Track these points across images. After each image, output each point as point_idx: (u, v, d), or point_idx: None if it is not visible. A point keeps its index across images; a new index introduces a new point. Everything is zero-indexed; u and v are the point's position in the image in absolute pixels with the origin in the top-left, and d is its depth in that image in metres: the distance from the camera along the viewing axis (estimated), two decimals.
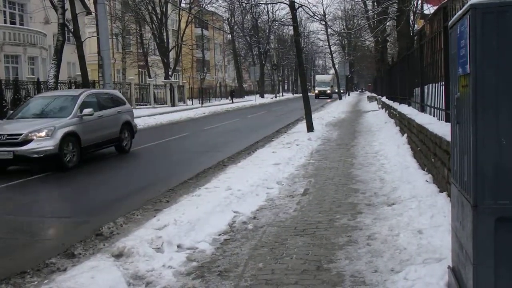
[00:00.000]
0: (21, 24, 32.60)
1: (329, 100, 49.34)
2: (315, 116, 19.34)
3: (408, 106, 12.23)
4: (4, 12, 31.48)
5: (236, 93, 62.72)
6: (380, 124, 17.37)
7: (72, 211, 7.19)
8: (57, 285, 3.89)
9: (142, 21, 43.38)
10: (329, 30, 42.43)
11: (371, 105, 32.84)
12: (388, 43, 32.41)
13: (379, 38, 27.90)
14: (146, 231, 5.19)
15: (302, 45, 32.97)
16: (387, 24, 26.18)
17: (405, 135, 11.07)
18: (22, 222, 6.57)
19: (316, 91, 62.19)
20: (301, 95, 19.29)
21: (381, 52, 30.77)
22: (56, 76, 21.77)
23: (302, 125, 17.33)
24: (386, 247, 4.70)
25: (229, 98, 54.15)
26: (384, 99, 23.56)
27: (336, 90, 66.34)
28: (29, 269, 4.59)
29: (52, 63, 22.12)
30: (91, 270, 4.15)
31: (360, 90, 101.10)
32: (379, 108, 26.74)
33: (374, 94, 40.30)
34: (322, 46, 70.29)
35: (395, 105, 15.54)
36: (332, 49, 56.05)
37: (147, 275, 4.24)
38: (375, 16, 25.39)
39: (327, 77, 68.93)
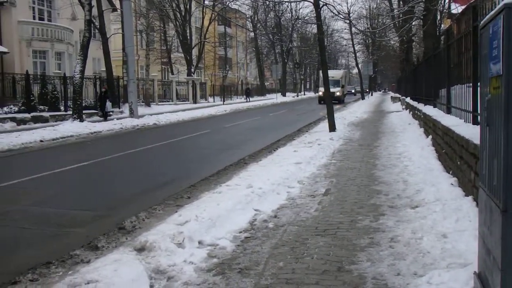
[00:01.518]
0: (49, 20, 33.15)
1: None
2: (337, 115, 19.21)
3: (434, 107, 12.05)
4: (33, 8, 32.05)
5: (257, 91, 62.74)
6: (403, 125, 17.17)
7: (96, 204, 7.28)
8: (81, 276, 3.94)
9: (166, 18, 43.71)
10: (353, 29, 42.15)
11: (394, 106, 32.48)
12: (413, 43, 32.00)
13: (404, 38, 27.57)
14: (168, 226, 5.22)
15: (326, 43, 32.88)
16: (413, 23, 25.83)
17: (430, 137, 10.91)
18: (48, 213, 6.68)
19: (320, 93, 41.20)
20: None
21: (406, 52, 30.41)
22: (82, 72, 22.10)
23: (324, 124, 17.24)
24: (409, 250, 4.64)
25: (245, 97, 52.45)
26: (408, 99, 23.26)
27: (353, 91, 64.54)
28: (54, 260, 4.67)
29: (78, 59, 22.45)
30: (114, 263, 4.19)
31: (383, 90, 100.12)
32: (403, 109, 26.42)
33: (397, 95, 39.81)
34: (346, 45, 69.59)
35: (420, 106, 15.33)
36: (356, 48, 55.60)
37: (168, 269, 4.27)
38: (401, 15, 25.09)
39: (336, 73, 46.53)
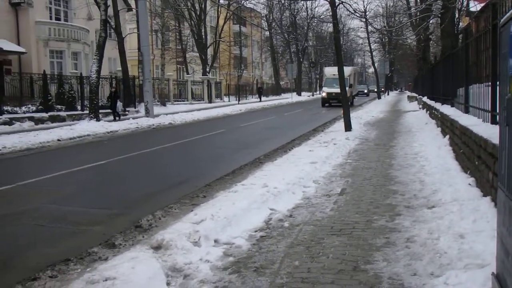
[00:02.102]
0: (65, 20, 33.52)
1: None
2: (353, 115, 19.11)
3: (451, 106, 11.93)
4: (50, 8, 32.45)
5: (272, 90, 62.66)
6: (420, 124, 17.03)
7: (112, 202, 7.35)
8: (99, 273, 3.99)
9: (181, 18, 43.88)
10: (369, 27, 41.83)
11: (411, 105, 32.21)
12: (431, 41, 31.70)
13: (421, 36, 27.33)
14: (184, 225, 5.26)
15: (341, 42, 32.60)
16: (430, 21, 25.59)
17: (447, 136, 10.80)
18: (65, 211, 6.77)
19: (324, 94, 36.53)
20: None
21: (423, 51, 30.15)
22: (98, 72, 22.32)
23: (340, 124, 17.18)
24: (426, 250, 4.60)
25: (257, 96, 51.66)
26: (425, 99, 23.05)
27: (366, 91, 63.00)
28: (73, 257, 4.75)
29: (95, 59, 22.68)
30: (131, 261, 4.24)
31: (399, 90, 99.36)
32: (420, 108, 26.19)
33: (414, 94, 39.47)
34: (362, 44, 68.98)
35: (437, 105, 15.18)
36: (372, 47, 55.10)
37: (184, 268, 4.30)
38: (418, 14, 24.85)
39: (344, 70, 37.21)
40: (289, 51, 67.94)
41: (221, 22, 47.65)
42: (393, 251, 4.67)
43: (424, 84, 25.81)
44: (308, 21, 63.71)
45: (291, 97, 52.36)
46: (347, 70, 36.02)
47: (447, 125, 11.08)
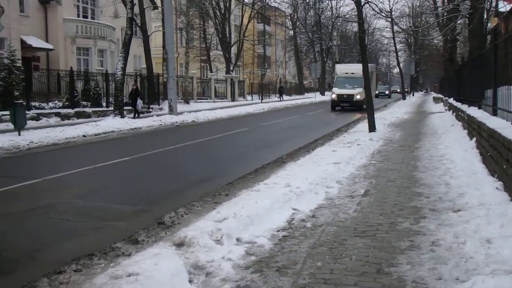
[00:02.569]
0: (92, 18, 34.07)
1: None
2: (377, 116, 18.91)
3: (478, 108, 11.70)
4: (78, 6, 33.00)
5: (296, 90, 62.47)
6: (446, 126, 16.75)
7: (136, 198, 7.43)
8: (122, 268, 4.03)
9: (205, 16, 44.11)
10: (395, 27, 41.31)
11: (436, 107, 31.73)
12: (458, 42, 31.16)
13: (448, 37, 26.90)
14: (206, 223, 5.27)
15: (366, 42, 31.71)
16: (458, 22, 25.15)
17: (474, 139, 10.60)
18: (90, 206, 6.87)
19: (333, 96, 31.27)
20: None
21: (449, 51, 29.67)
22: (124, 69, 22.58)
23: (364, 124, 17.02)
24: (451, 254, 4.53)
25: (278, 95, 50.42)
26: (451, 100, 22.67)
27: (387, 92, 61.18)
28: (97, 251, 4.81)
29: (120, 56, 22.95)
30: (154, 257, 4.27)
31: (425, 91, 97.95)
32: (446, 110, 25.78)
33: (440, 95, 38.86)
34: (387, 44, 68.26)
35: (464, 107, 14.90)
36: (398, 47, 54.47)
37: (207, 265, 4.31)
38: (445, 14, 24.44)
39: (356, 69, 30.23)
40: (313, 51, 67.61)
41: (245, 21, 47.72)
42: (417, 254, 4.60)
43: (451, 86, 25.39)
44: (333, 20, 63.29)
45: (315, 97, 52.14)
46: (360, 67, 28.74)
47: (474, 128, 10.87)
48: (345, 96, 30.41)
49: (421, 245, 4.84)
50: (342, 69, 33.91)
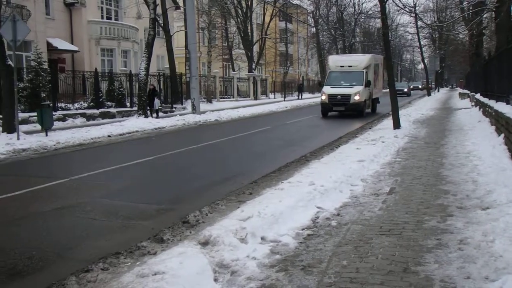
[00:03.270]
0: (116, 19, 34.49)
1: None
2: (401, 112, 18.69)
3: (506, 104, 11.43)
4: (102, 8, 33.46)
5: (318, 87, 61.98)
6: (473, 122, 16.43)
7: (160, 197, 7.48)
8: (148, 267, 4.07)
9: (227, 15, 44.21)
10: (419, 22, 40.71)
11: (462, 103, 31.15)
12: (484, 37, 30.50)
13: (474, 31, 26.36)
14: (231, 222, 5.29)
15: (390, 38, 30.63)
16: (484, 16, 24.61)
17: (502, 135, 10.36)
18: (116, 205, 6.96)
19: (323, 97, 23.73)
20: (386, 90, 18.73)
21: (476, 46, 29.09)
22: (147, 69, 22.78)
23: (388, 121, 16.84)
24: (480, 253, 4.44)
25: (297, 93, 50.14)
26: (478, 96, 22.24)
27: (406, 90, 57.28)
28: (123, 250, 4.87)
29: (143, 56, 23.15)
30: (180, 256, 4.30)
31: (450, 86, 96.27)
32: (472, 105, 25.29)
33: (466, 91, 38.15)
34: (411, 39, 67.28)
35: (491, 102, 14.59)
36: (422, 42, 53.58)
37: (231, 264, 4.32)
38: (471, 8, 23.97)
39: (355, 60, 25.24)
40: (336, 48, 67.05)
41: (267, 19, 47.65)
42: (445, 253, 4.52)
43: (477, 81, 24.91)
44: (356, 17, 62.74)
45: None
46: (363, 59, 24.68)
47: (502, 124, 10.63)
48: (339, 97, 22.64)
49: (449, 244, 4.76)
50: (336, 61, 25.53)
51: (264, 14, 48.66)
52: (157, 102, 24.30)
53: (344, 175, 7.81)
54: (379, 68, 27.62)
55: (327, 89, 23.36)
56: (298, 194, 6.54)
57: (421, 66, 68.56)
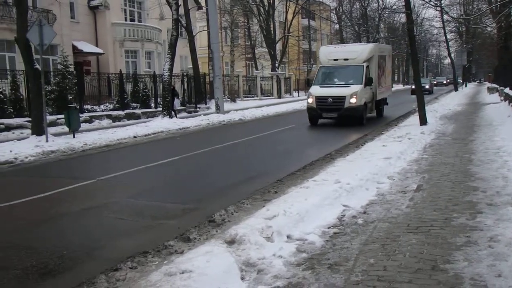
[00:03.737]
0: (139, 21, 34.92)
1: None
2: (428, 108, 18.40)
3: None
4: (125, 10, 33.91)
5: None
6: (502, 117, 16.06)
7: (186, 197, 7.54)
8: (176, 266, 4.11)
9: (249, 14, 44.22)
10: (445, 16, 39.94)
11: (491, 97, 30.48)
12: None
13: (502, 24, 25.70)
14: (256, 220, 5.30)
15: (415, 33, 30.00)
16: None
17: None
18: (142, 205, 7.05)
19: (310, 100, 18.17)
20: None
21: (504, 39, 28.39)
22: (171, 70, 22.95)
23: (414, 118, 16.60)
24: (511, 250, 4.34)
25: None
26: (507, 90, 21.72)
27: (428, 86, 52.64)
28: (150, 249, 4.93)
29: (167, 57, 23.34)
30: (206, 255, 4.33)
31: (478, 81, 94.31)
32: (501, 100, 24.72)
33: (495, 85, 37.28)
34: (437, 34, 65.88)
35: None
36: (448, 36, 52.50)
37: (258, 263, 4.33)
38: (498, 0, 23.41)
39: (351, 52, 19.22)
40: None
41: (289, 16, 47.45)
42: (474, 250, 4.44)
43: (506, 75, 24.32)
44: (380, 12, 61.96)
45: None
46: (363, 50, 19.30)
47: None
48: (330, 99, 17.50)
49: (478, 241, 4.67)
50: (328, 53, 19.80)
51: (287, 12, 48.47)
52: (177, 102, 24.43)
53: (370, 173, 7.74)
54: (386, 61, 22.04)
55: (315, 90, 18.12)
56: (324, 192, 6.51)
57: (447, 61, 67.22)
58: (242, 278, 4.09)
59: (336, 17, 64.32)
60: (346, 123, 17.38)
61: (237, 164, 10.67)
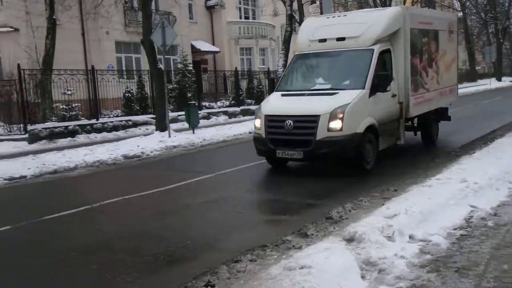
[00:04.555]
0: (253, 18, 35.72)
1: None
2: None
3: None
4: (239, 8, 34.90)
5: (467, 77, 57.63)
6: None
7: (303, 193, 7.52)
8: (295, 261, 4.13)
9: (365, 5, 43.02)
10: None
11: None
12: None
13: None
14: (376, 219, 5.14)
15: None
16: None
17: None
18: (259, 200, 7.25)
19: (257, 124, 9.40)
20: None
21: None
22: (284, 66, 23.13)
23: None
24: None
25: None
26: None
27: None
28: (269, 243, 5.00)
29: (281, 53, 23.59)
30: (325, 251, 4.29)
31: None
32: None
33: None
34: None
35: None
36: None
37: (379, 262, 4.19)
38: None
39: (350, 25, 9.57)
40: (486, 32, 61.47)
41: (408, 5, 45.45)
42: None
43: None
44: None
45: (490, 83, 47.40)
46: (371, 19, 9.70)
47: None
48: (289, 123, 8.53)
49: None
50: (313, 30, 10.30)
51: (405, 1, 46.45)
52: None
53: (501, 172, 7.12)
54: (442, 40, 11.77)
55: (271, 102, 9.66)
56: (448, 191, 6.13)
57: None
58: (363, 277, 3.98)
59: (459, 4, 60.16)
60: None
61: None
